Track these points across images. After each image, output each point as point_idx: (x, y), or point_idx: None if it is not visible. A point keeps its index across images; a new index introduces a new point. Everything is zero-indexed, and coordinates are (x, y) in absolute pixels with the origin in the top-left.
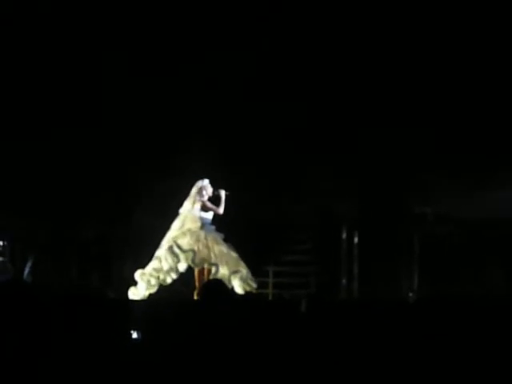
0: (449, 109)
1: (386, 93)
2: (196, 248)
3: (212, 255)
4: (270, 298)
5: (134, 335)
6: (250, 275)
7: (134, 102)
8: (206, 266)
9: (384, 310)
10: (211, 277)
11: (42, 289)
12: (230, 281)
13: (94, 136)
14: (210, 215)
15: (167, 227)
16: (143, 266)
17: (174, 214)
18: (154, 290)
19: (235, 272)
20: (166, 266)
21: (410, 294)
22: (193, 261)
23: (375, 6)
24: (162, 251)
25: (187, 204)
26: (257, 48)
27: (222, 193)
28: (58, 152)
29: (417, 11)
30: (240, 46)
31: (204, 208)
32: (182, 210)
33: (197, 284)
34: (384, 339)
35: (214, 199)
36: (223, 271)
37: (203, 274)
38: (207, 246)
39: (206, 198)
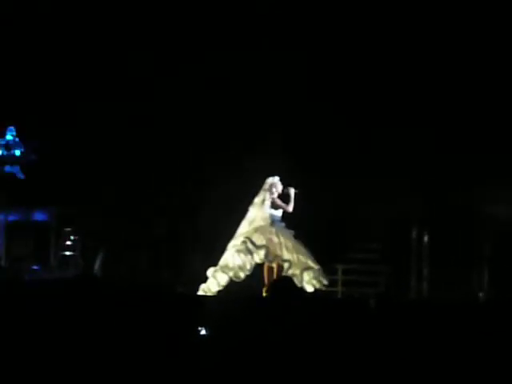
0: None
1: (452, 99)
2: (269, 244)
3: (285, 251)
4: (340, 296)
5: (203, 331)
6: (321, 272)
7: (203, 100)
8: (278, 262)
9: (454, 310)
10: (283, 273)
11: (111, 284)
12: (302, 277)
13: (165, 134)
14: (279, 212)
15: (237, 224)
16: (213, 262)
17: (244, 211)
18: (224, 286)
19: (307, 269)
20: (238, 262)
21: (480, 295)
22: (266, 257)
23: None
24: (233, 247)
25: (257, 201)
26: (328, 47)
27: (292, 190)
28: (127, 150)
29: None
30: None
31: (274, 205)
32: (251, 207)
33: (266, 281)
34: (453, 339)
35: (284, 197)
36: (295, 268)
37: (272, 271)
38: (280, 243)
39: (275, 195)
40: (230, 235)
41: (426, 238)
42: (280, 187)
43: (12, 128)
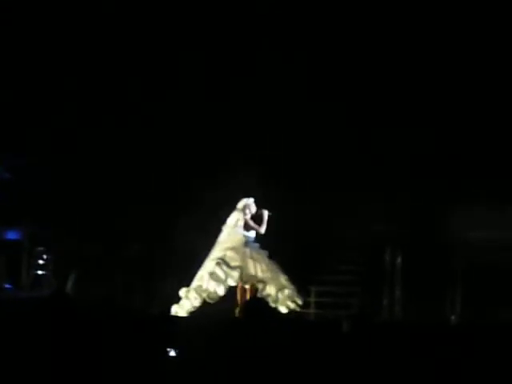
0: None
1: (431, 125)
2: (243, 265)
3: (259, 272)
4: (313, 317)
5: (172, 353)
6: (296, 292)
7: (180, 122)
8: (252, 282)
9: (426, 332)
10: (258, 294)
11: (84, 303)
12: (277, 297)
13: (141, 153)
14: (253, 233)
15: (210, 244)
16: (187, 283)
17: (217, 231)
18: (197, 307)
19: (282, 289)
20: (212, 283)
21: (452, 318)
22: (241, 278)
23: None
24: (207, 268)
25: (230, 222)
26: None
27: (265, 213)
28: (103, 169)
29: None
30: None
31: (246, 226)
32: (224, 227)
33: (238, 301)
34: (425, 361)
35: (257, 218)
36: (270, 288)
37: (246, 292)
38: (254, 263)
39: (248, 216)
40: (205, 255)
41: (399, 260)
42: (254, 209)
43: None
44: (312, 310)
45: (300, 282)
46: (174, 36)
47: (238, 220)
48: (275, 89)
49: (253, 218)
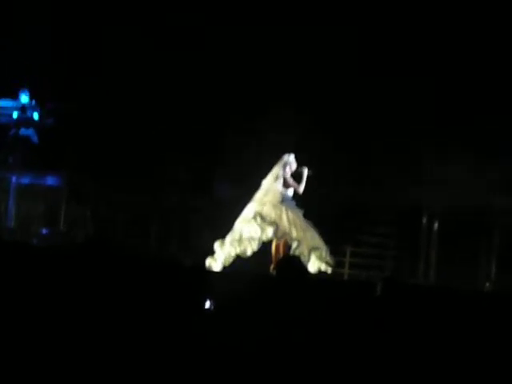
0: None
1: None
2: (278, 221)
3: (293, 230)
4: (346, 277)
5: (207, 305)
6: (328, 253)
7: (218, 72)
8: (286, 240)
9: (459, 297)
10: (291, 252)
11: (120, 249)
12: (309, 257)
13: (179, 104)
14: (290, 191)
15: (248, 198)
16: (222, 236)
17: (256, 186)
18: (231, 260)
19: (315, 249)
20: (246, 237)
21: (487, 284)
22: (275, 234)
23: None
24: (242, 221)
25: (270, 177)
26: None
27: (305, 170)
28: (142, 119)
29: None
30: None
31: (285, 183)
32: (264, 182)
33: (273, 258)
34: (458, 327)
35: (296, 176)
36: (303, 247)
37: (280, 249)
38: (289, 221)
39: (288, 173)
40: (241, 210)
41: (435, 226)
42: (294, 166)
43: (26, 90)
44: (346, 270)
45: (336, 241)
46: None
47: (277, 176)
48: (316, 38)
49: (293, 175)
